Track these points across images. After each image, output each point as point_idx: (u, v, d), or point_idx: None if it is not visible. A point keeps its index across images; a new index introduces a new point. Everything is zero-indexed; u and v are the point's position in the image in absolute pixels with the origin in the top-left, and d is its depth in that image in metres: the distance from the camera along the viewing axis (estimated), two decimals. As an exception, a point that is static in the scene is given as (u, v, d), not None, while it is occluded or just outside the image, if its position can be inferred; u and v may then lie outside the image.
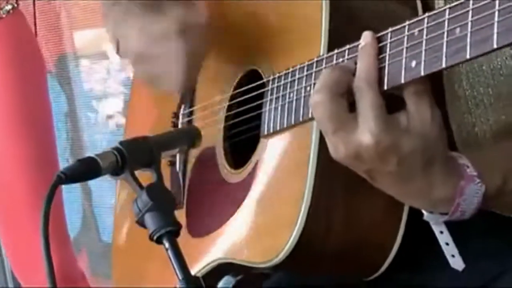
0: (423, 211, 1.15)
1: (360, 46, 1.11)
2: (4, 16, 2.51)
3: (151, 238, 1.14)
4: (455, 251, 1.18)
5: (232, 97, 1.47)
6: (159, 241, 1.13)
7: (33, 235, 2.33)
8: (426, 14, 1.05)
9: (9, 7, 2.59)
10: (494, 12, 0.94)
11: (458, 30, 0.99)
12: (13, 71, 2.36)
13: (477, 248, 1.24)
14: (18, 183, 2.30)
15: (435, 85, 1.17)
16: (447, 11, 1.01)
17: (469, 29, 0.97)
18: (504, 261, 1.26)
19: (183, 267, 1.12)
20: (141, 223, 1.15)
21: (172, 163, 1.55)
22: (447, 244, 1.17)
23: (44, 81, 2.57)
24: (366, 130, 1.06)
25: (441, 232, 1.17)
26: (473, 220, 1.15)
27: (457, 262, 1.18)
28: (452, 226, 1.17)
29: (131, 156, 1.18)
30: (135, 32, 1.45)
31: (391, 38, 1.09)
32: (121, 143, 1.20)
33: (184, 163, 1.55)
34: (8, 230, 2.31)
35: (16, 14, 2.60)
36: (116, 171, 1.18)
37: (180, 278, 1.11)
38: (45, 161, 2.36)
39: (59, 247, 2.38)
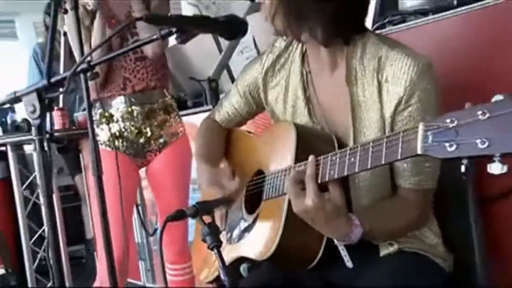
0: (334, 240, 1.25)
1: (309, 161, 1.20)
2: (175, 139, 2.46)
3: (208, 247, 1.27)
4: (348, 258, 1.26)
5: (250, 181, 1.53)
6: (212, 249, 1.26)
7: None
8: (339, 151, 1.17)
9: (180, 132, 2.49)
10: (369, 149, 1.08)
11: (352, 158, 1.12)
12: (187, 169, 2.47)
13: (356, 258, 1.27)
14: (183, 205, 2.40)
15: (346, 181, 1.30)
16: (347, 151, 1.14)
17: (357, 158, 1.10)
18: (368, 264, 1.34)
19: (223, 263, 1.24)
20: (204, 240, 1.28)
21: (223, 209, 1.58)
22: (345, 255, 1.26)
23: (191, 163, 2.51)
24: (309, 199, 1.17)
25: (342, 249, 1.25)
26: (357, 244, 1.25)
27: (349, 264, 1.26)
28: (349, 246, 1.26)
29: (201, 209, 1.30)
30: (204, 182, 1.58)
31: (324, 159, 1.19)
32: (196, 203, 1.33)
33: (227, 211, 1.58)
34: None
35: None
36: (193, 216, 1.30)
37: (221, 267, 1.24)
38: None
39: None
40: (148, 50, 2.31)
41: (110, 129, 2.37)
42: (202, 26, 1.30)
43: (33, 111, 1.32)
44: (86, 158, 3.46)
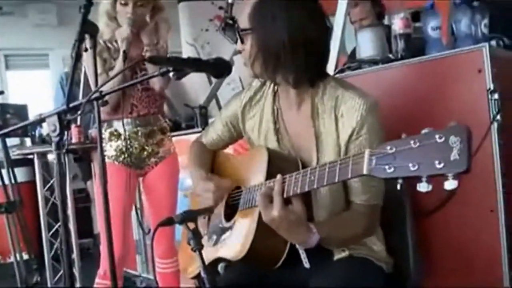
0: (296, 244, 1.24)
1: (277, 179, 1.20)
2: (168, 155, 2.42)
3: (191, 249, 1.24)
4: (306, 260, 1.24)
5: (229, 194, 1.49)
6: (194, 251, 1.23)
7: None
8: (301, 171, 1.17)
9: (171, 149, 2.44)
10: (325, 169, 1.09)
11: (312, 177, 1.12)
12: (176, 180, 2.42)
13: (314, 260, 1.26)
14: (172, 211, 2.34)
15: (308, 197, 1.29)
16: (308, 170, 1.14)
17: (316, 176, 1.11)
18: (320, 266, 1.31)
19: (203, 263, 1.22)
20: (188, 243, 1.24)
21: (205, 217, 1.55)
22: (304, 258, 1.24)
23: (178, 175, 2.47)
24: (275, 210, 1.17)
25: (302, 252, 1.24)
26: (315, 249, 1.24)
27: (307, 265, 1.24)
28: (308, 250, 1.24)
29: (187, 216, 1.26)
30: (199, 188, 1.53)
31: (289, 177, 1.19)
32: (183, 211, 1.28)
33: (209, 217, 1.55)
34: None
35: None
36: (180, 223, 1.25)
37: (202, 266, 1.22)
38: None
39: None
40: (156, 84, 2.33)
41: (118, 145, 2.36)
42: (194, 66, 1.30)
43: (54, 130, 1.32)
44: (96, 167, 3.43)
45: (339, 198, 1.34)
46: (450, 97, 1.72)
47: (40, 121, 1.43)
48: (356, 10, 3.01)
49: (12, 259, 2.92)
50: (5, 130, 1.69)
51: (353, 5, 2.92)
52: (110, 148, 2.36)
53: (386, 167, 0.91)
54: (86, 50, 1.69)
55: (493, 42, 1.80)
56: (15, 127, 1.64)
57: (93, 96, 1.34)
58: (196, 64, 1.29)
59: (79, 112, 1.39)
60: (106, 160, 2.31)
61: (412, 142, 0.89)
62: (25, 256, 2.92)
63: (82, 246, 4.14)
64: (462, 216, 1.70)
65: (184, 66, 1.24)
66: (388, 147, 0.92)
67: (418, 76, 1.82)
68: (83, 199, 4.77)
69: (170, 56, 1.24)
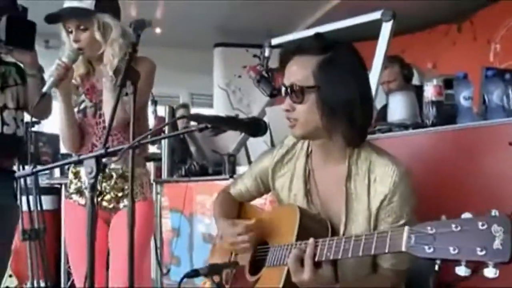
0: None
1: (309, 242, 1.20)
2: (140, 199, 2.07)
3: None
4: None
5: (257, 251, 1.48)
6: None
7: None
8: (336, 237, 1.18)
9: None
10: (361, 240, 1.10)
11: (347, 245, 1.13)
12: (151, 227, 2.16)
13: None
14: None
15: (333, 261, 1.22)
16: (343, 239, 1.15)
17: (351, 246, 1.11)
18: None
19: None
20: None
21: (231, 270, 1.52)
22: None
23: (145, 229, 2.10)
24: (306, 274, 1.18)
25: None
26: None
27: None
28: None
29: (212, 269, 1.30)
30: (229, 235, 1.48)
31: (322, 242, 1.19)
32: (209, 265, 1.33)
33: (233, 272, 1.52)
34: None
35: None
36: (205, 275, 1.29)
37: None
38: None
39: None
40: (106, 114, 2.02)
41: (76, 184, 2.15)
42: (230, 124, 1.35)
43: (91, 172, 1.34)
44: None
45: (366, 260, 1.34)
46: (480, 168, 1.72)
47: (78, 162, 1.46)
48: (385, 72, 3.06)
49: (29, 285, 2.98)
50: (43, 167, 1.73)
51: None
52: (71, 186, 2.16)
53: (426, 247, 0.93)
54: (126, 94, 1.74)
55: (525, 115, 1.80)
56: (53, 165, 1.72)
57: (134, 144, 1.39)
58: (232, 123, 1.35)
59: (117, 158, 1.45)
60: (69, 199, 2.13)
61: (453, 225, 0.90)
62: (42, 284, 2.95)
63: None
64: (487, 289, 1.67)
65: (221, 124, 1.29)
66: (429, 228, 0.94)
67: (448, 144, 1.83)
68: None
69: (210, 115, 1.29)
